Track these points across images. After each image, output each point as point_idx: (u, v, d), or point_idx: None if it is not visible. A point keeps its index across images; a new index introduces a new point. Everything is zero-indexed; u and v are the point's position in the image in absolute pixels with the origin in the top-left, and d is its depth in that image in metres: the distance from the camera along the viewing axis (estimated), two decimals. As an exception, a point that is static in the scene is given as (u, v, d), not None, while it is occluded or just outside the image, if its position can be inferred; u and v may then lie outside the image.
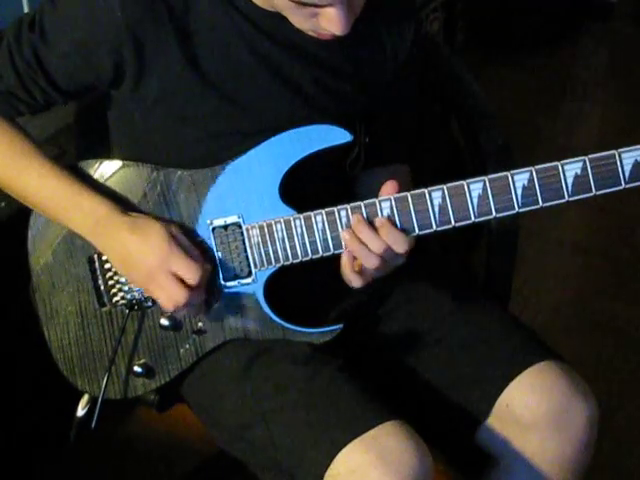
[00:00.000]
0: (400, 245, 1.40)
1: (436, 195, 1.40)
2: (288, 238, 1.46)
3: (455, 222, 1.40)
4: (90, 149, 1.65)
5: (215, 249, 1.50)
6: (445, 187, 1.40)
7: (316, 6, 1.30)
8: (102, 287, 1.55)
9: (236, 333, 1.54)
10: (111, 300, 1.55)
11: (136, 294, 1.54)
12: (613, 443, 2.30)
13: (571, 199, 1.38)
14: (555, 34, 4.02)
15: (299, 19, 1.36)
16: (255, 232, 1.48)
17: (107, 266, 1.54)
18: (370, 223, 1.41)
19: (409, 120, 1.68)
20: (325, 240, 1.45)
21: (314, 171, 1.49)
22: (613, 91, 3.83)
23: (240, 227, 1.48)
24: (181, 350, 1.55)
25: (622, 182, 1.36)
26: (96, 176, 1.53)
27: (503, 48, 3.87)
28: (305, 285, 1.55)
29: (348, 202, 1.43)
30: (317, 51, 1.47)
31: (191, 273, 1.43)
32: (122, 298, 1.55)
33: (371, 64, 1.54)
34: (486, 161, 1.76)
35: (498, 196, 1.38)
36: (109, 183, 1.52)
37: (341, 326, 1.51)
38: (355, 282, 1.45)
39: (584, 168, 1.36)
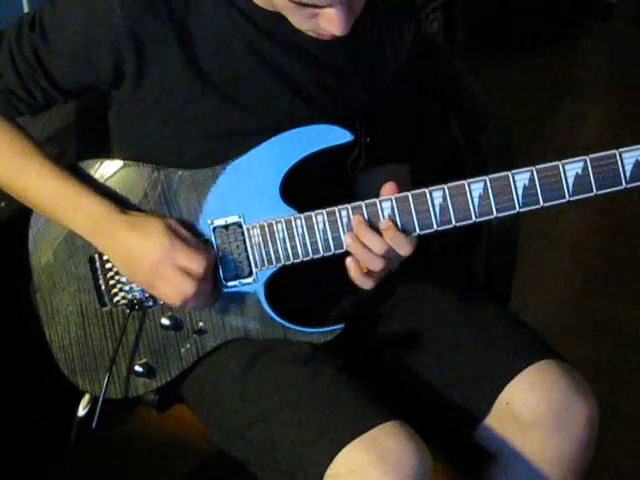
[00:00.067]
0: (404, 248, 1.40)
1: (437, 195, 1.40)
2: (289, 238, 1.46)
3: (456, 222, 1.40)
4: (90, 149, 1.65)
5: (216, 249, 1.50)
6: (446, 187, 1.40)
7: (316, 7, 1.30)
8: (103, 287, 1.55)
9: (237, 333, 1.54)
10: (112, 300, 1.55)
11: (137, 294, 1.54)
12: (613, 443, 2.30)
13: (572, 199, 1.38)
14: (555, 34, 4.02)
15: (299, 19, 1.36)
16: (256, 232, 1.48)
17: (108, 266, 1.54)
18: (371, 223, 1.42)
19: (408, 120, 1.68)
20: (326, 240, 1.45)
21: (315, 171, 1.49)
22: (613, 91, 3.83)
23: (241, 227, 1.49)
24: (182, 350, 1.55)
25: (623, 182, 1.36)
26: (97, 176, 1.53)
27: (503, 48, 3.87)
28: (306, 285, 1.56)
29: (349, 202, 1.43)
30: (317, 51, 1.47)
31: (196, 263, 1.44)
32: (123, 298, 1.55)
33: (371, 64, 1.54)
34: (486, 161, 1.75)
35: (499, 196, 1.38)
36: (110, 183, 1.52)
37: (342, 326, 1.52)
38: (366, 284, 1.45)
39: (585, 168, 1.36)
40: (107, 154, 1.57)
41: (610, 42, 4.11)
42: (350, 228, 1.43)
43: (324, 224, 1.44)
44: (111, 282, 1.55)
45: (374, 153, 1.60)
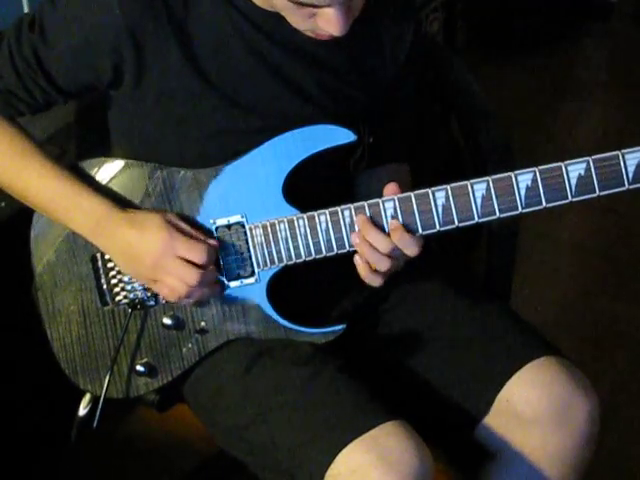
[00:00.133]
0: (411, 248, 1.41)
1: (440, 195, 1.40)
2: (291, 238, 1.46)
3: (458, 222, 1.40)
4: (90, 149, 1.65)
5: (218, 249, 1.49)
6: (449, 187, 1.40)
7: (314, 6, 1.30)
8: (105, 286, 1.55)
9: (239, 333, 1.54)
10: (114, 299, 1.55)
11: (139, 293, 1.54)
12: (613, 443, 2.30)
13: (574, 200, 1.38)
14: (555, 34, 4.01)
15: (297, 19, 1.36)
16: (258, 232, 1.48)
17: (110, 265, 1.54)
18: (371, 220, 1.42)
19: (407, 120, 1.68)
20: (328, 240, 1.45)
21: (317, 171, 1.49)
22: (613, 91, 3.83)
23: (243, 227, 1.49)
24: (184, 349, 1.55)
25: (626, 183, 1.37)
26: (98, 176, 1.53)
27: (503, 48, 3.87)
28: (308, 285, 1.55)
29: (351, 202, 1.43)
30: (317, 51, 1.47)
31: (197, 252, 1.44)
32: (125, 297, 1.55)
33: (370, 64, 1.54)
34: (486, 161, 1.75)
35: (502, 197, 1.39)
36: (111, 183, 1.53)
37: (344, 326, 1.52)
38: (375, 282, 1.45)
39: (587, 169, 1.36)
40: (107, 154, 1.57)
41: (610, 42, 4.11)
42: (353, 228, 1.43)
43: (327, 224, 1.45)
44: (113, 281, 1.55)
45: (376, 153, 1.61)
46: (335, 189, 1.57)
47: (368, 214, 1.42)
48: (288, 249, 1.47)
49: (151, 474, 2.20)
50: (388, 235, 1.41)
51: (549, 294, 2.84)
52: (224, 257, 1.50)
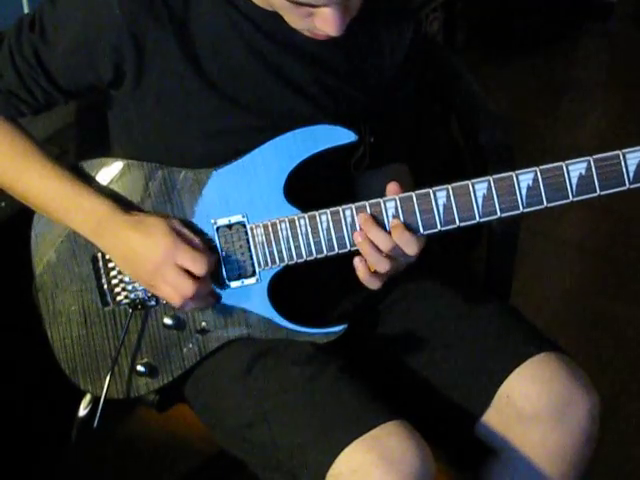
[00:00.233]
0: (411, 247, 1.40)
1: (441, 195, 1.40)
2: (292, 238, 1.46)
3: (460, 222, 1.40)
4: (90, 149, 1.65)
5: (219, 248, 1.50)
6: (450, 187, 1.40)
7: (312, 6, 1.30)
8: (105, 286, 1.55)
9: (239, 333, 1.54)
10: (114, 299, 1.55)
11: (140, 293, 1.54)
12: (613, 443, 2.30)
13: (575, 199, 1.38)
14: (555, 34, 4.02)
15: (294, 18, 1.36)
16: (259, 231, 1.48)
17: (111, 265, 1.54)
18: (373, 217, 1.42)
19: (407, 120, 1.68)
20: (330, 240, 1.45)
21: (318, 171, 1.49)
22: (613, 91, 3.84)
23: (244, 226, 1.48)
24: (184, 349, 1.55)
25: (626, 182, 1.37)
26: (99, 176, 1.53)
27: (503, 48, 3.87)
28: (309, 285, 1.55)
29: (352, 202, 1.43)
30: (316, 51, 1.47)
31: (197, 264, 1.44)
32: (125, 297, 1.55)
33: (370, 64, 1.54)
34: (486, 161, 1.75)
35: (503, 196, 1.39)
36: (112, 183, 1.52)
37: (345, 326, 1.51)
38: (373, 284, 1.45)
39: (588, 168, 1.36)
40: (107, 154, 1.57)
41: (610, 42, 4.11)
42: (354, 228, 1.43)
43: (328, 224, 1.44)
44: (114, 281, 1.55)
45: (377, 153, 1.61)
46: (336, 189, 1.58)
47: (369, 214, 1.42)
48: (289, 249, 1.47)
49: (151, 474, 2.20)
50: (389, 234, 1.41)
51: (549, 294, 2.84)
52: (225, 257, 1.50)
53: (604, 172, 1.36)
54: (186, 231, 1.47)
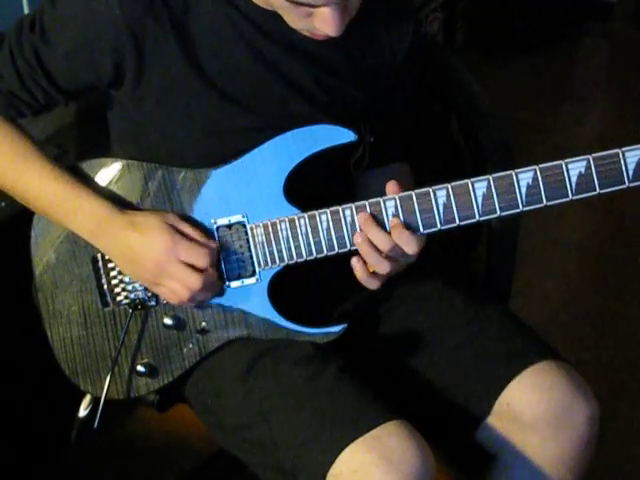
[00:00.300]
0: (411, 246, 1.40)
1: (440, 194, 1.40)
2: (292, 237, 1.46)
3: (460, 221, 1.40)
4: (90, 149, 1.65)
5: (219, 249, 1.49)
6: (450, 186, 1.40)
7: (310, 6, 1.30)
8: (105, 287, 1.55)
9: (240, 333, 1.54)
10: (115, 300, 1.55)
11: (140, 293, 1.54)
12: (613, 444, 2.29)
13: (575, 198, 1.38)
14: (555, 34, 4.02)
15: (293, 18, 1.36)
16: (259, 231, 1.48)
17: (111, 265, 1.54)
18: (373, 217, 1.42)
19: (407, 120, 1.68)
20: (330, 239, 1.45)
21: (318, 170, 1.49)
22: (613, 91, 3.84)
23: (244, 226, 1.48)
24: (184, 349, 1.55)
25: (626, 181, 1.37)
26: (99, 176, 1.53)
27: (503, 48, 3.87)
28: (309, 285, 1.56)
29: (352, 202, 1.43)
30: (316, 51, 1.47)
31: (199, 257, 1.44)
32: (125, 298, 1.54)
33: (370, 64, 1.54)
34: (486, 161, 1.75)
35: (502, 195, 1.39)
36: (112, 183, 1.52)
37: (345, 326, 1.51)
38: (372, 285, 1.46)
39: (588, 167, 1.37)
40: (107, 154, 1.57)
41: (610, 42, 4.11)
42: (354, 227, 1.43)
43: (328, 223, 1.44)
44: (114, 282, 1.55)
45: (377, 153, 1.61)
46: (336, 189, 1.57)
47: (369, 213, 1.42)
48: (289, 248, 1.47)
49: (151, 474, 2.20)
50: (389, 234, 1.41)
51: (548, 294, 2.84)
52: (225, 257, 1.50)
53: (604, 170, 1.36)
54: (183, 225, 1.47)
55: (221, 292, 1.51)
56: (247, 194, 1.48)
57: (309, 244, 1.46)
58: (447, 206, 1.40)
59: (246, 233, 1.48)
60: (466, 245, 2.04)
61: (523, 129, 3.31)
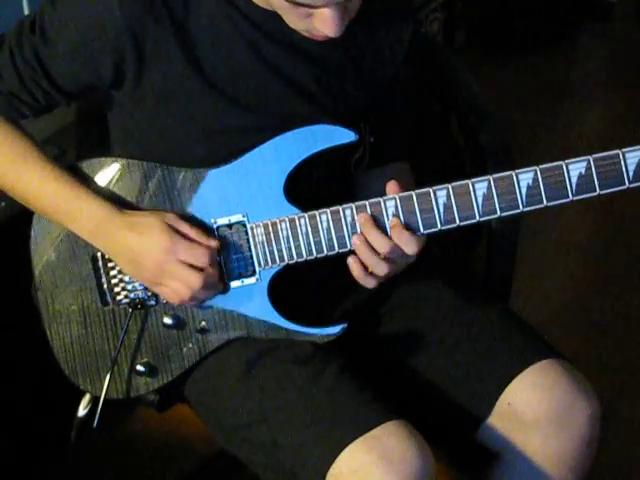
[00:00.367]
0: (411, 246, 1.41)
1: (441, 194, 1.40)
2: (293, 237, 1.46)
3: (460, 221, 1.40)
4: (90, 149, 1.65)
5: (219, 248, 1.49)
6: (450, 186, 1.40)
7: (310, 7, 1.30)
8: (105, 286, 1.55)
9: (239, 332, 1.54)
10: (114, 299, 1.55)
11: (139, 293, 1.54)
12: (613, 444, 2.30)
13: (575, 198, 1.38)
14: (555, 34, 4.02)
15: (293, 19, 1.36)
16: (260, 231, 1.48)
17: (110, 264, 1.54)
18: (373, 219, 1.42)
19: (407, 120, 1.68)
20: (330, 239, 1.45)
21: (319, 170, 1.49)
22: (613, 91, 3.83)
23: (244, 226, 1.48)
24: (184, 349, 1.55)
25: (626, 182, 1.37)
26: (99, 176, 1.52)
27: (503, 48, 3.87)
28: (309, 284, 1.56)
29: (352, 202, 1.43)
30: (317, 51, 1.47)
31: (199, 256, 1.44)
32: (125, 297, 1.54)
33: (369, 64, 1.54)
34: (486, 161, 1.75)
35: (503, 195, 1.39)
36: (111, 183, 1.52)
37: (345, 326, 1.51)
38: (369, 284, 1.45)
39: (588, 168, 1.37)
40: (107, 154, 1.57)
41: (610, 42, 4.11)
42: (354, 227, 1.43)
43: (328, 223, 1.44)
44: (113, 281, 1.55)
45: (377, 153, 1.61)
46: (336, 188, 1.58)
47: (370, 213, 1.42)
48: (289, 248, 1.47)
49: (151, 474, 2.21)
50: (389, 237, 1.41)
51: (549, 294, 2.85)
52: (225, 257, 1.49)
53: (604, 171, 1.36)
54: (182, 224, 1.47)
55: (221, 292, 1.51)
56: (247, 194, 1.48)
57: (309, 244, 1.46)
58: (447, 206, 1.40)
59: (246, 233, 1.48)
60: (466, 245, 2.04)
61: (523, 129, 3.31)
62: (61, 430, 1.63)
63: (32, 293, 1.60)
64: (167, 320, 1.54)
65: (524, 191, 1.38)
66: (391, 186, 1.42)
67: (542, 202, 1.38)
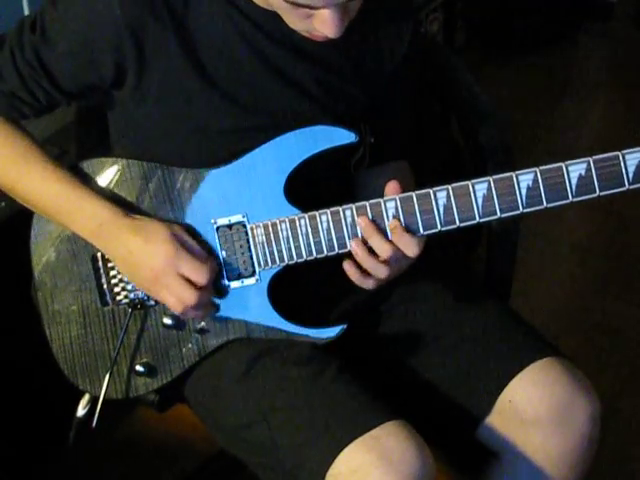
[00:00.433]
0: (411, 248, 1.41)
1: (441, 195, 1.40)
2: (293, 238, 1.46)
3: (460, 222, 1.40)
4: (90, 149, 1.65)
5: (219, 248, 1.49)
6: (450, 187, 1.40)
7: (310, 8, 1.30)
8: (105, 286, 1.55)
9: (239, 333, 1.54)
10: (114, 299, 1.55)
11: (139, 293, 1.53)
12: (613, 443, 2.30)
13: (575, 200, 1.38)
14: (555, 34, 4.01)
15: (293, 19, 1.36)
16: (260, 231, 1.48)
17: (110, 265, 1.54)
18: (376, 224, 1.42)
19: (407, 120, 1.68)
20: (330, 240, 1.45)
21: (319, 171, 1.49)
22: (613, 91, 3.83)
23: (244, 226, 1.48)
24: (184, 349, 1.55)
25: (626, 183, 1.37)
26: (99, 176, 1.52)
27: (503, 48, 3.87)
28: (309, 285, 1.55)
29: (352, 202, 1.43)
30: (317, 51, 1.47)
31: (199, 274, 1.43)
32: (125, 297, 1.54)
33: (369, 65, 1.54)
34: (486, 161, 1.75)
35: (503, 196, 1.39)
36: (112, 183, 1.52)
37: (344, 327, 1.51)
38: (367, 285, 1.45)
39: (588, 169, 1.37)
40: (107, 154, 1.57)
41: (610, 42, 4.11)
42: (354, 228, 1.43)
43: (328, 224, 1.44)
44: (113, 281, 1.55)
45: (378, 153, 1.61)
46: (336, 189, 1.57)
47: (370, 214, 1.42)
48: (289, 249, 1.47)
49: (151, 474, 2.21)
50: (390, 241, 1.41)
51: (549, 294, 2.84)
52: (225, 257, 1.50)
53: (604, 173, 1.36)
54: (188, 238, 1.46)
55: (221, 292, 1.51)
56: (247, 194, 1.48)
57: (309, 244, 1.46)
58: (447, 207, 1.40)
59: (246, 233, 1.48)
60: (466, 246, 2.04)
61: (523, 129, 3.31)
62: (61, 430, 1.63)
63: (32, 293, 1.60)
64: (167, 320, 1.54)
65: (524, 192, 1.38)
66: (390, 186, 1.42)
67: (542, 203, 1.38)
